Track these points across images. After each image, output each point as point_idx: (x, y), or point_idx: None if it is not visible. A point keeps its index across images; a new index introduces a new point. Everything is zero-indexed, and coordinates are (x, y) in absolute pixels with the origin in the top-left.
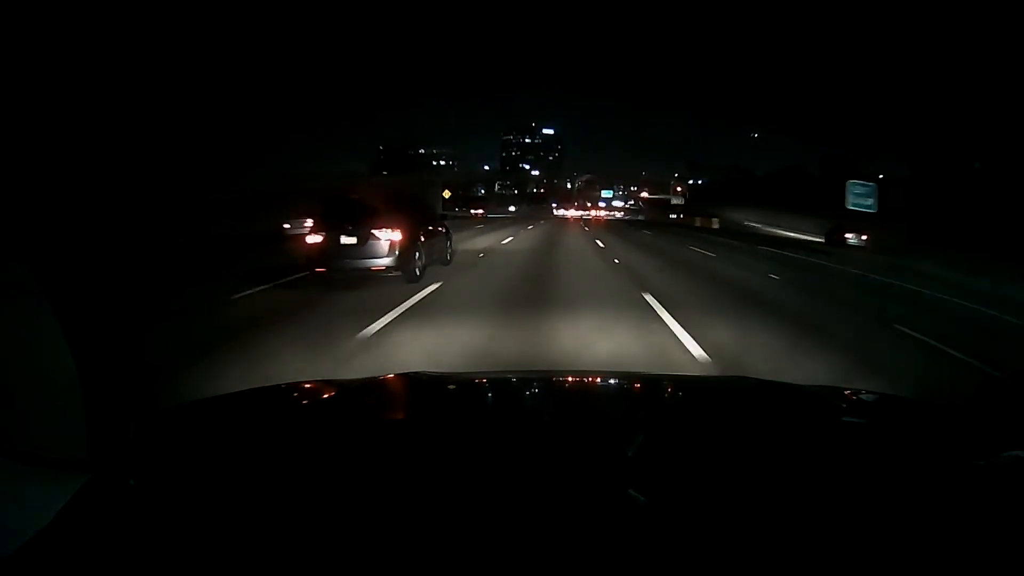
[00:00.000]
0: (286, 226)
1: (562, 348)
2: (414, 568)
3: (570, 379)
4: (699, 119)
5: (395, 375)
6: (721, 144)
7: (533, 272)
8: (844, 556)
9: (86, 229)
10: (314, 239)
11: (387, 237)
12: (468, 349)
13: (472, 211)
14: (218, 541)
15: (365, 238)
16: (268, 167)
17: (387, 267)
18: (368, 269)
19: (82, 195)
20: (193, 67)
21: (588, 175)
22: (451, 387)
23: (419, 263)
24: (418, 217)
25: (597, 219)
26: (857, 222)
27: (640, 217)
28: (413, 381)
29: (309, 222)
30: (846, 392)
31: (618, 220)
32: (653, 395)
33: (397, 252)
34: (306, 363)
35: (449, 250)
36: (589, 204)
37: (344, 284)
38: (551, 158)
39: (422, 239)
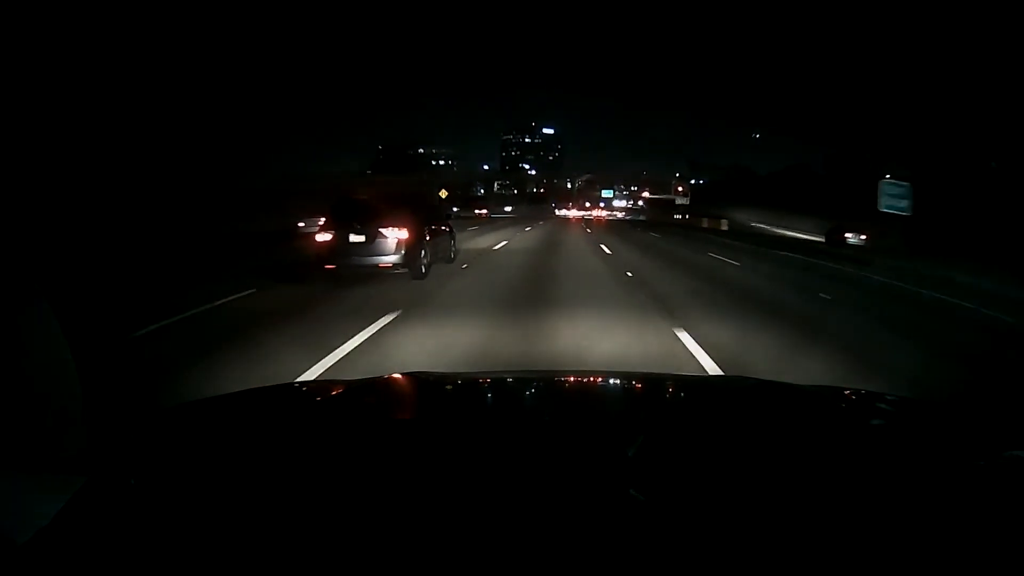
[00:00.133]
0: (300, 224)
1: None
2: (415, 568)
3: (571, 379)
4: (699, 119)
5: (395, 375)
6: (721, 144)
7: (525, 290)
8: (845, 556)
9: (100, 230)
10: (324, 237)
11: (395, 236)
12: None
13: (476, 211)
14: (218, 541)
15: (373, 236)
16: (270, 167)
17: (394, 264)
18: (376, 266)
19: (95, 197)
20: (196, 69)
21: (588, 175)
22: (452, 387)
23: (425, 261)
24: (424, 216)
25: (599, 219)
26: (857, 222)
27: (641, 217)
28: (414, 381)
29: (322, 221)
30: (846, 392)
31: (619, 220)
32: (654, 395)
33: (404, 250)
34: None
35: (453, 248)
36: (588, 204)
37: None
38: (551, 158)
39: (427, 238)
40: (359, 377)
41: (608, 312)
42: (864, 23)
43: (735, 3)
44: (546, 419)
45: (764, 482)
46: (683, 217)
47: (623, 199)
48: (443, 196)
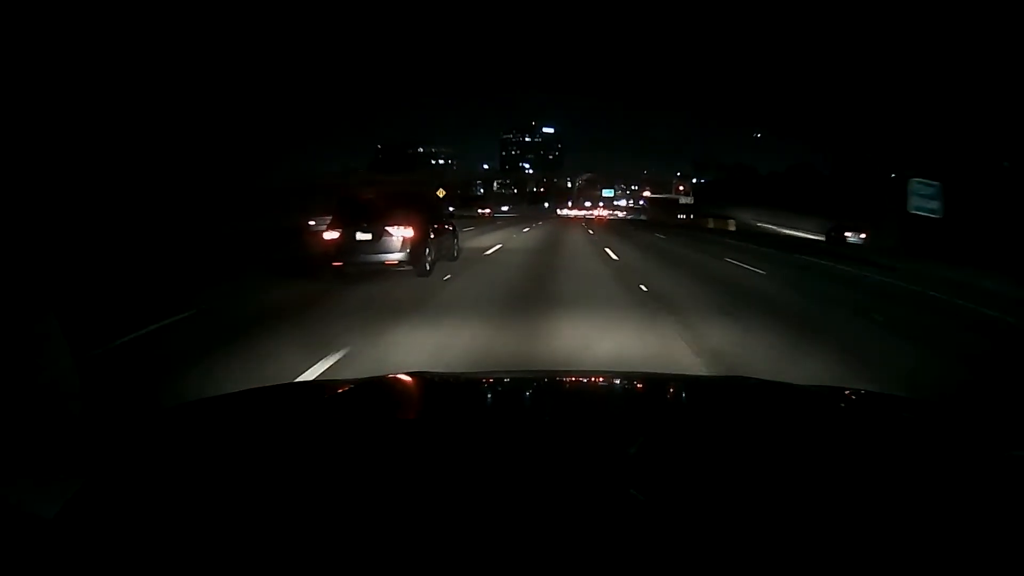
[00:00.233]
0: (311, 223)
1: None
2: (416, 567)
3: (572, 379)
4: (700, 119)
5: (396, 375)
6: (722, 143)
7: (518, 301)
8: (845, 556)
9: (111, 230)
10: (331, 235)
11: (400, 234)
12: None
13: (479, 211)
14: (219, 541)
15: (379, 234)
16: (281, 167)
17: (399, 262)
18: (382, 263)
19: (107, 198)
20: (200, 71)
21: (588, 174)
22: (452, 387)
23: (429, 258)
24: (428, 215)
25: (600, 219)
26: (856, 221)
27: (642, 217)
28: (414, 381)
29: (329, 219)
30: (846, 392)
31: (621, 220)
32: (655, 395)
33: (409, 248)
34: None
35: (456, 247)
36: (589, 204)
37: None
38: (551, 157)
39: (432, 236)
40: (358, 377)
41: (623, 338)
42: (864, 23)
43: (735, 3)
44: (547, 419)
45: (764, 482)
46: (687, 217)
47: (624, 198)
48: (440, 195)
